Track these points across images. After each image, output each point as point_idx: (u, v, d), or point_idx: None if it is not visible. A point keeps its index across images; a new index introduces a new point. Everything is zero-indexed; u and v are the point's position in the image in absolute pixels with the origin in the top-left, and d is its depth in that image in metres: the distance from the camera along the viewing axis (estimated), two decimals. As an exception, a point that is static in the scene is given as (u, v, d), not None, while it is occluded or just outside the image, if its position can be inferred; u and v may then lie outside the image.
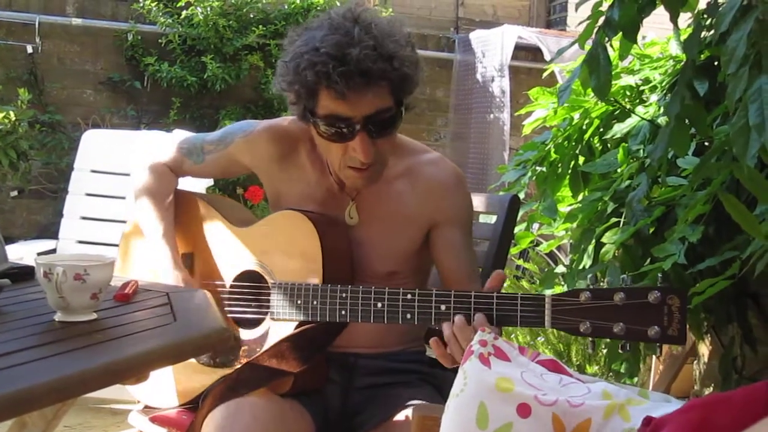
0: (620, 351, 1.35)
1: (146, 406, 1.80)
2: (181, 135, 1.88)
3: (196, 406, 1.61)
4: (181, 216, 1.78)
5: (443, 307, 1.42)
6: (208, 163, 1.77)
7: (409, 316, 1.45)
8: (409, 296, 1.45)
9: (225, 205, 1.83)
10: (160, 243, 1.72)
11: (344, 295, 1.50)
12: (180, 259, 1.72)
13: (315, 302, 1.53)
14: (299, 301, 1.55)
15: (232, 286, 1.68)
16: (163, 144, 1.85)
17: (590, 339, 1.35)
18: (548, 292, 1.36)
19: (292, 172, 1.68)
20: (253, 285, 1.66)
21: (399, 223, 1.63)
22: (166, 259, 1.70)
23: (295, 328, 1.57)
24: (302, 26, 1.54)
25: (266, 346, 1.59)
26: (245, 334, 1.66)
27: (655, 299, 1.25)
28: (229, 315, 1.68)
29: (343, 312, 1.51)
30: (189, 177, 1.85)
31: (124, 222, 3.20)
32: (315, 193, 1.66)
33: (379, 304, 1.47)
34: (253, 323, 1.65)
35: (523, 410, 1.02)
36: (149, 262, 1.75)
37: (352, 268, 1.62)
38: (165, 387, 1.71)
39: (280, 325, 1.60)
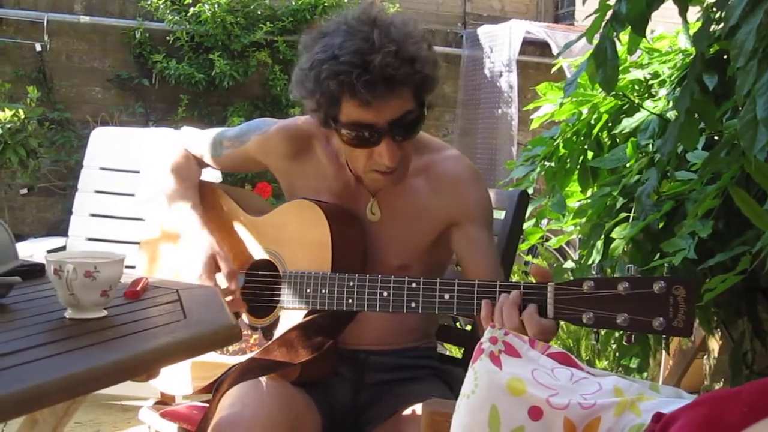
0: (625, 343, 1.34)
1: (157, 402, 1.81)
2: (190, 131, 1.90)
3: (206, 400, 1.63)
4: (200, 205, 1.79)
5: (447, 296, 1.42)
6: (225, 157, 1.79)
7: (413, 304, 1.46)
8: (413, 285, 1.46)
9: (242, 195, 1.86)
10: (190, 213, 1.74)
11: (351, 283, 1.52)
12: (208, 227, 1.73)
13: (323, 290, 1.54)
14: (308, 290, 1.56)
15: (245, 275, 1.69)
16: (188, 133, 1.89)
17: (594, 330, 1.34)
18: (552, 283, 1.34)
19: (307, 168, 1.69)
20: (265, 274, 1.68)
21: (416, 218, 1.64)
22: (196, 225, 1.71)
23: (305, 317, 1.58)
24: (317, 31, 1.51)
25: (276, 335, 1.60)
26: (256, 322, 1.67)
27: (660, 289, 1.23)
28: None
29: (350, 300, 1.52)
30: (208, 168, 1.88)
31: (133, 219, 3.25)
32: (332, 186, 1.67)
33: (385, 293, 1.48)
34: (265, 312, 1.67)
35: (535, 413, 1.02)
36: (177, 251, 1.77)
37: (364, 258, 1.62)
38: (177, 375, 1.73)
39: (290, 313, 1.61)
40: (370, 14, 1.47)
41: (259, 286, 1.68)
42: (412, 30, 1.48)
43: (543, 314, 1.33)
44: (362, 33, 1.42)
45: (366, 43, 1.41)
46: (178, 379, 1.73)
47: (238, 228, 1.76)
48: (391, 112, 1.45)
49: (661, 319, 1.23)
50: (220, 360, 1.67)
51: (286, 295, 1.61)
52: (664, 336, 1.27)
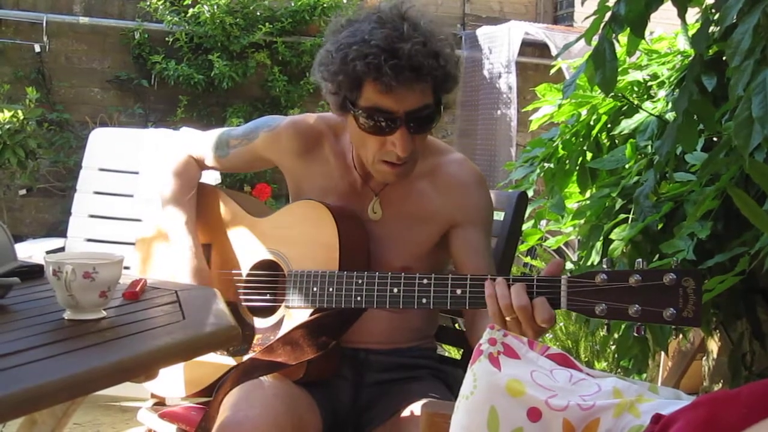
0: (635, 334, 1.34)
1: (156, 402, 1.80)
2: (189, 132, 1.90)
3: (206, 401, 1.62)
4: (201, 207, 1.80)
5: (459, 291, 1.42)
6: (233, 156, 1.79)
7: (424, 300, 1.45)
8: (425, 281, 1.45)
9: (244, 198, 1.86)
10: (182, 231, 1.74)
11: (360, 281, 1.51)
12: (200, 249, 1.74)
13: (331, 289, 1.54)
14: (315, 289, 1.56)
15: (248, 275, 1.69)
16: (191, 135, 1.89)
17: (605, 322, 1.35)
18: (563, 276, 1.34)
19: (314, 166, 1.69)
20: (268, 273, 1.67)
21: (419, 220, 1.64)
22: (186, 249, 1.72)
23: (310, 316, 1.58)
24: (346, 18, 1.55)
25: (280, 334, 1.60)
26: (260, 322, 1.67)
27: (671, 281, 1.24)
28: (243, 304, 1.70)
29: (359, 298, 1.51)
30: (213, 170, 1.88)
31: (132, 220, 3.25)
32: (337, 187, 1.68)
33: (395, 290, 1.47)
34: (268, 312, 1.66)
35: (534, 415, 1.02)
36: (169, 256, 1.76)
37: (369, 259, 1.62)
38: (178, 375, 1.73)
39: (294, 312, 1.61)
40: (400, 9, 1.51)
41: (262, 285, 1.68)
42: (438, 30, 1.53)
43: (556, 306, 1.34)
44: (392, 24, 1.47)
45: (395, 32, 1.45)
46: (170, 381, 1.72)
47: (241, 229, 1.75)
48: (410, 102, 1.48)
49: (672, 309, 1.24)
50: (219, 360, 1.67)
51: (292, 295, 1.60)
52: (674, 327, 1.28)
